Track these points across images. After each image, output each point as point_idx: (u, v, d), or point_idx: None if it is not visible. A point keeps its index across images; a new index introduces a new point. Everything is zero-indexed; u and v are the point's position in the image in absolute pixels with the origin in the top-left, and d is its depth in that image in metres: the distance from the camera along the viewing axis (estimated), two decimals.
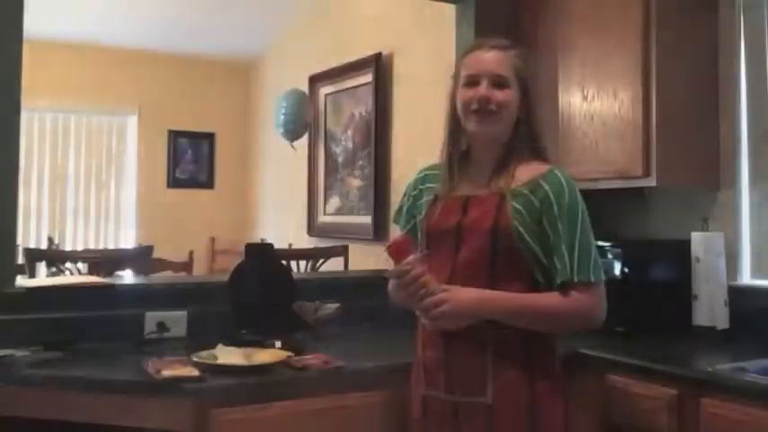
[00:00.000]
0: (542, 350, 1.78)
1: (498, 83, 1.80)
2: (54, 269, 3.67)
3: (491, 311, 1.73)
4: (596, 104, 2.82)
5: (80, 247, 6.07)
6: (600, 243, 2.69)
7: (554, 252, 1.73)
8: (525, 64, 1.85)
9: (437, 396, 1.80)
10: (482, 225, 1.76)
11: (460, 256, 1.78)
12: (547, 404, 1.75)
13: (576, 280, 1.72)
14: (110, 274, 3.46)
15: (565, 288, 1.73)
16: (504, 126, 1.83)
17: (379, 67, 4.77)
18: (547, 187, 1.76)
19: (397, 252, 1.72)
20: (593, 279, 1.73)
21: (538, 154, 1.85)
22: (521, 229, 1.73)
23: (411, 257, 1.72)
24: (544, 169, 1.81)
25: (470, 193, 1.83)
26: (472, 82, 1.82)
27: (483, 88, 1.79)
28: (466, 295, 1.72)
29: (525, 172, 1.80)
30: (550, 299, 1.74)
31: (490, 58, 1.82)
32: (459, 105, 1.84)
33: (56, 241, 5.59)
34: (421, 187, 1.96)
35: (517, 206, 1.75)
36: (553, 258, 1.74)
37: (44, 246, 5.32)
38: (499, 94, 1.80)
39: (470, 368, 1.75)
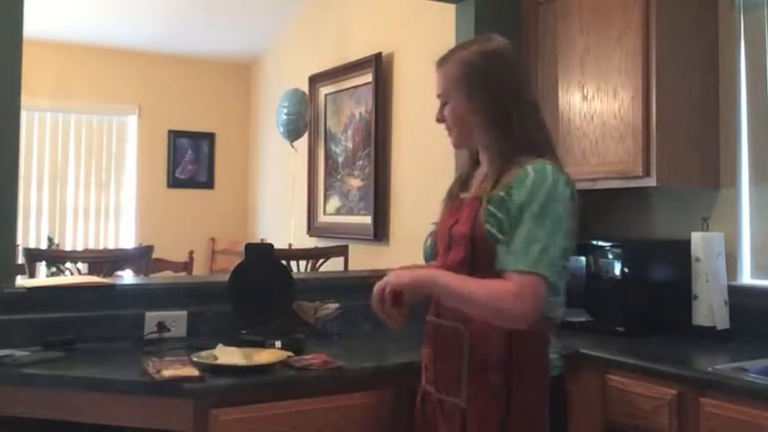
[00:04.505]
0: (527, 359, 1.69)
1: (444, 101, 1.85)
2: (54, 269, 3.67)
3: (432, 290, 1.76)
4: (596, 104, 2.82)
5: (80, 247, 6.06)
6: (600, 243, 2.71)
7: (508, 241, 1.66)
8: (469, 67, 1.79)
9: (429, 390, 1.83)
10: (462, 230, 1.75)
11: (448, 258, 1.79)
12: (522, 419, 1.67)
13: (511, 268, 1.63)
14: (110, 274, 3.46)
15: (504, 275, 1.65)
16: (465, 137, 1.83)
17: (379, 67, 4.77)
18: (515, 178, 1.69)
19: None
20: (528, 269, 1.60)
21: (530, 150, 1.73)
22: (493, 231, 1.68)
23: None
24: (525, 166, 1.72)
25: (465, 196, 1.84)
26: None
27: (438, 111, 1.87)
28: (408, 272, 1.78)
29: (513, 173, 1.71)
30: (479, 281, 1.66)
31: (437, 78, 1.86)
32: None
33: (56, 241, 5.58)
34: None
35: (492, 209, 1.69)
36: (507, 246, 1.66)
37: (44, 246, 5.31)
38: (445, 113, 1.84)
39: (449, 368, 1.75)
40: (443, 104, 1.85)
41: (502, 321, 1.66)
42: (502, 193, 1.68)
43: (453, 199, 1.88)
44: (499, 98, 1.77)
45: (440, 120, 1.86)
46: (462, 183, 1.90)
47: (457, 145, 1.88)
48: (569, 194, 1.69)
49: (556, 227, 1.64)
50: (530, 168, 1.68)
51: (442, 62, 1.84)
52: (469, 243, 1.71)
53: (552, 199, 1.65)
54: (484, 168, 1.83)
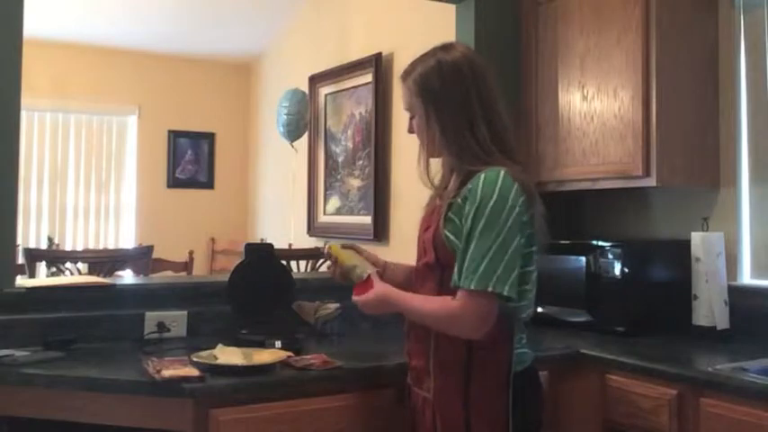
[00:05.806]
0: (486, 357, 1.73)
1: (411, 115, 1.89)
2: (54, 269, 3.67)
3: (391, 309, 1.85)
4: (596, 104, 2.82)
5: (80, 247, 6.07)
6: (600, 243, 2.71)
7: (460, 256, 1.70)
8: (424, 81, 1.82)
9: (410, 384, 1.90)
10: (429, 235, 1.81)
11: (419, 262, 1.88)
12: (481, 414, 1.72)
13: (460, 285, 1.67)
14: (110, 274, 3.46)
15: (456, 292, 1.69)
16: (431, 149, 1.84)
17: (379, 67, 4.77)
18: (470, 186, 1.72)
19: None
20: (473, 287, 1.63)
21: (488, 159, 1.76)
22: (451, 237, 1.73)
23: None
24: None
25: (438, 203, 1.87)
26: None
27: (408, 123, 1.90)
28: (374, 292, 1.86)
29: (469, 181, 1.75)
30: (431, 302, 1.75)
31: (402, 93, 1.91)
32: None
33: (56, 241, 5.59)
34: None
35: (451, 215, 1.75)
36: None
37: (44, 246, 5.31)
38: (413, 124, 1.88)
39: (420, 364, 1.83)
40: (411, 117, 1.88)
41: (458, 334, 1.71)
42: (459, 200, 1.74)
43: (430, 205, 1.91)
44: (454, 110, 1.79)
45: (411, 131, 1.90)
46: (439, 190, 1.89)
47: (429, 154, 1.87)
48: (521, 201, 1.69)
49: (505, 238, 1.65)
50: (482, 177, 1.71)
51: (404, 76, 1.88)
52: (433, 248, 1.79)
53: (500, 209, 1.67)
54: (454, 176, 1.85)
